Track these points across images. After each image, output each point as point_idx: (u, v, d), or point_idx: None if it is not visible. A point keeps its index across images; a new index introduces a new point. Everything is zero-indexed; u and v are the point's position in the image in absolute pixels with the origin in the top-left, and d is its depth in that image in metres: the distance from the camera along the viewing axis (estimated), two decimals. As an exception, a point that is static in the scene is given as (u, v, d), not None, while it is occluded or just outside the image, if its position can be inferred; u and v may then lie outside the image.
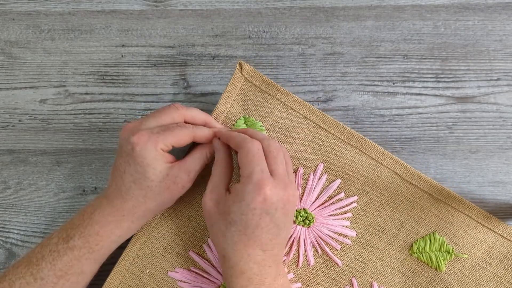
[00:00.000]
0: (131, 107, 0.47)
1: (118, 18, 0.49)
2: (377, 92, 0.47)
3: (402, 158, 0.46)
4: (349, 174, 0.42)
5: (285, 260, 0.42)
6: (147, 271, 0.42)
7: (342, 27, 0.49)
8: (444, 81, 0.48)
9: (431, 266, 0.41)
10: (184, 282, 0.41)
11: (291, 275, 0.41)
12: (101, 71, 0.48)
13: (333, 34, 0.49)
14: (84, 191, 0.46)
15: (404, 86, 0.48)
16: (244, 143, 0.35)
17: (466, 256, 0.41)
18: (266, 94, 0.43)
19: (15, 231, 0.45)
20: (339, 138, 0.43)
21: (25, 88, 0.48)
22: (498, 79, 0.47)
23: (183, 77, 0.48)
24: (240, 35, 0.49)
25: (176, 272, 0.42)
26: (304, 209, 0.42)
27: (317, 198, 0.42)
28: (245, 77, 0.43)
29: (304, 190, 0.42)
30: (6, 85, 0.48)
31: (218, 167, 0.37)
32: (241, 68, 0.43)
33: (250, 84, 0.43)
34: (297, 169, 0.42)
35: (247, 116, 0.43)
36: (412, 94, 0.47)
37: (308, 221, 0.42)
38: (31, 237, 0.45)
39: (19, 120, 0.47)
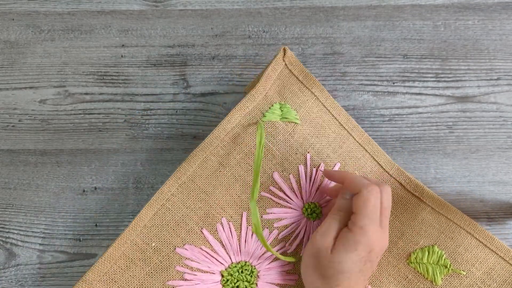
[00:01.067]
0: (131, 107, 0.47)
1: (118, 18, 0.49)
2: (377, 91, 0.47)
3: (402, 158, 0.46)
4: None
5: (288, 250, 0.41)
6: (153, 244, 0.39)
7: (342, 27, 0.49)
8: (444, 81, 0.48)
9: (427, 278, 0.41)
10: (192, 261, 0.39)
11: (291, 266, 0.41)
12: (101, 71, 0.48)
13: (333, 34, 0.49)
14: (84, 191, 0.46)
15: (404, 86, 0.48)
16: (364, 189, 0.35)
17: (464, 273, 0.40)
18: (302, 85, 0.43)
19: (15, 231, 0.45)
20: (357, 141, 0.43)
21: (25, 88, 0.48)
22: (498, 79, 0.47)
23: (183, 77, 0.48)
24: (240, 35, 0.49)
25: (186, 249, 0.39)
26: (315, 204, 0.42)
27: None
28: (285, 63, 0.42)
29: (320, 185, 0.42)
30: (6, 85, 0.48)
31: (338, 211, 0.37)
32: (284, 54, 0.42)
33: (289, 72, 0.43)
34: (319, 165, 0.42)
35: (283, 103, 0.42)
36: (412, 93, 0.47)
37: (315, 215, 0.41)
38: (31, 237, 0.45)
39: (19, 120, 0.47)
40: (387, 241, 0.36)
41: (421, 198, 0.42)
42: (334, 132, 0.43)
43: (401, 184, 0.43)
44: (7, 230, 0.45)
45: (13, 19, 0.49)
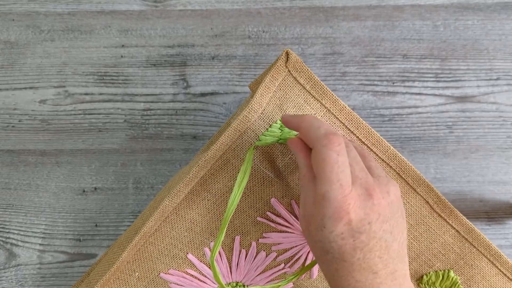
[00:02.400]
0: (131, 107, 0.47)
1: (117, 18, 0.49)
2: (377, 91, 0.47)
3: (402, 158, 0.46)
4: None
5: (287, 271, 0.39)
6: (136, 274, 0.37)
7: (342, 27, 0.49)
8: (444, 81, 0.48)
9: None
10: (177, 284, 0.38)
11: (290, 285, 0.40)
12: (100, 72, 0.48)
13: (332, 34, 0.49)
14: (84, 191, 0.46)
15: (404, 86, 0.48)
16: (318, 144, 0.27)
17: None
18: (310, 95, 0.36)
19: (15, 232, 0.45)
20: (380, 157, 0.38)
21: (25, 88, 0.48)
22: (497, 79, 0.47)
23: (182, 77, 0.48)
24: (240, 35, 0.49)
25: (170, 274, 0.38)
26: None
27: None
28: (288, 70, 0.35)
29: None
30: (6, 86, 0.48)
31: (303, 179, 0.30)
32: (287, 59, 0.35)
33: (293, 80, 0.35)
34: None
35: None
36: (412, 93, 0.47)
37: None
38: (31, 237, 0.45)
39: (19, 121, 0.47)
40: (381, 196, 0.28)
41: (447, 220, 0.39)
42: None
43: (428, 203, 0.39)
44: (7, 230, 0.45)
45: (13, 20, 0.49)
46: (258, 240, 0.38)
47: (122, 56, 0.48)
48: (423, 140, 0.46)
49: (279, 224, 0.38)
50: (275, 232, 0.38)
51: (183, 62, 0.48)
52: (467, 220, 0.39)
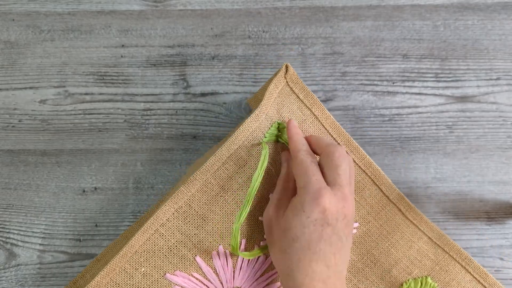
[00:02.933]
0: (131, 107, 0.47)
1: (117, 18, 0.49)
2: (377, 91, 0.48)
3: (402, 158, 0.46)
4: (356, 201, 0.41)
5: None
6: (142, 269, 0.37)
7: (342, 26, 0.49)
8: (444, 81, 0.48)
9: None
10: (181, 286, 0.38)
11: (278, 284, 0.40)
12: (100, 71, 0.48)
13: (332, 34, 0.49)
14: (84, 191, 0.46)
15: (404, 86, 0.48)
16: (297, 153, 0.35)
17: None
18: (302, 104, 0.41)
19: (15, 232, 0.45)
20: (357, 164, 0.42)
21: (25, 88, 0.48)
22: (497, 79, 0.48)
23: (182, 77, 0.48)
24: (240, 35, 0.49)
25: (176, 275, 0.38)
26: None
27: None
28: (286, 81, 0.41)
29: None
30: (6, 86, 0.48)
31: (281, 181, 0.37)
32: (286, 71, 0.41)
33: (289, 90, 0.41)
34: None
35: (279, 122, 0.40)
36: (412, 93, 0.47)
37: None
38: (31, 237, 0.45)
39: (19, 121, 0.47)
40: (352, 205, 0.34)
41: (419, 226, 0.42)
42: None
43: (400, 210, 0.42)
44: (7, 230, 0.45)
45: (13, 20, 0.49)
46: (260, 243, 0.39)
47: (122, 56, 0.48)
48: (423, 140, 0.47)
49: None
50: None
51: (183, 62, 0.48)
52: (437, 227, 0.42)
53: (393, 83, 0.48)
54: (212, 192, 0.38)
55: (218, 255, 0.38)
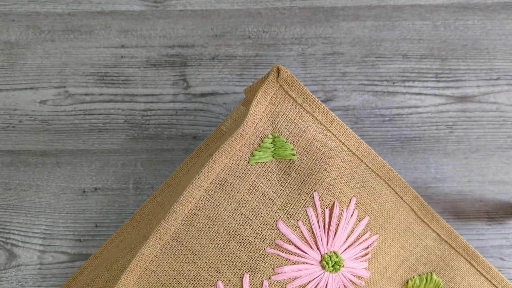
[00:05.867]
0: (131, 107, 0.47)
1: (117, 18, 0.49)
2: (377, 91, 0.48)
3: (402, 158, 0.46)
4: (375, 210, 0.38)
5: None
6: None
7: (342, 27, 0.49)
8: (444, 81, 0.48)
9: None
10: None
11: None
12: (101, 72, 0.48)
13: (332, 34, 0.49)
14: (84, 191, 0.46)
15: (404, 86, 0.48)
16: None
17: None
18: (302, 109, 0.36)
19: (16, 232, 0.45)
20: (369, 168, 0.37)
21: (25, 89, 0.48)
22: (498, 79, 0.48)
23: (183, 78, 0.48)
24: (240, 35, 0.49)
25: None
26: (335, 253, 0.35)
27: (347, 239, 0.36)
28: (280, 85, 0.35)
29: (337, 229, 0.35)
30: (6, 86, 0.48)
31: None
32: (278, 74, 0.35)
33: (285, 94, 0.35)
34: (333, 205, 0.35)
35: (276, 135, 0.35)
36: (412, 93, 0.47)
37: (338, 267, 0.35)
38: (31, 238, 0.45)
39: (19, 121, 0.47)
40: None
41: (429, 224, 0.40)
42: (344, 161, 0.36)
43: (413, 210, 0.40)
44: (7, 231, 0.45)
45: (13, 20, 0.49)
46: (270, 278, 0.34)
47: (122, 57, 0.48)
48: (423, 140, 0.47)
49: (291, 252, 0.34)
50: (288, 265, 0.34)
51: (183, 62, 0.48)
52: (447, 224, 0.41)
53: (393, 83, 0.48)
54: (198, 224, 0.34)
55: None
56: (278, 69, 0.35)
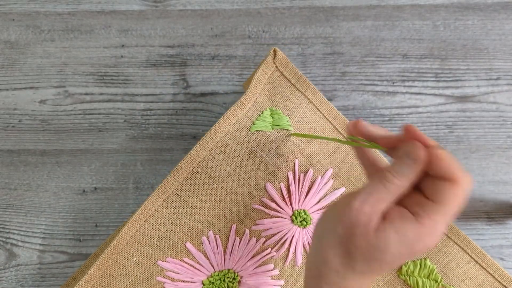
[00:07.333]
0: (131, 107, 0.47)
1: (117, 18, 0.49)
2: (377, 91, 0.47)
3: (402, 158, 0.46)
4: (354, 184, 0.41)
5: (273, 256, 0.41)
6: (134, 258, 0.38)
7: (342, 26, 0.49)
8: (444, 81, 0.48)
9: None
10: (173, 272, 0.39)
11: (276, 271, 0.41)
12: (100, 72, 0.48)
13: (332, 33, 0.49)
14: (84, 191, 0.46)
15: (404, 86, 0.48)
16: (463, 177, 0.25)
17: None
18: (295, 88, 0.41)
19: (15, 232, 0.45)
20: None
21: (25, 88, 0.48)
22: (497, 78, 0.47)
23: (182, 77, 0.48)
24: (240, 35, 0.49)
25: (167, 262, 0.38)
26: (304, 211, 0.41)
27: (318, 201, 0.41)
28: (276, 66, 0.40)
29: (308, 191, 0.41)
30: (6, 86, 0.48)
31: (399, 180, 0.26)
32: (274, 55, 0.40)
33: (280, 74, 0.40)
34: (307, 171, 0.40)
35: (273, 109, 0.40)
36: (412, 93, 0.47)
37: (305, 223, 0.41)
38: (31, 237, 0.45)
39: (19, 121, 0.47)
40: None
41: None
42: (329, 135, 0.41)
43: None
44: (7, 231, 0.45)
45: (14, 20, 0.49)
46: (251, 227, 0.40)
47: (122, 56, 0.48)
48: (423, 140, 0.46)
49: (272, 209, 0.40)
50: (267, 218, 0.40)
51: (183, 62, 0.48)
52: None
53: (393, 83, 0.48)
54: (200, 181, 0.38)
55: (208, 240, 0.39)
56: (275, 51, 0.40)
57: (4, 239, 0.45)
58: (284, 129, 0.39)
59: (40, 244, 0.45)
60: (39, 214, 0.45)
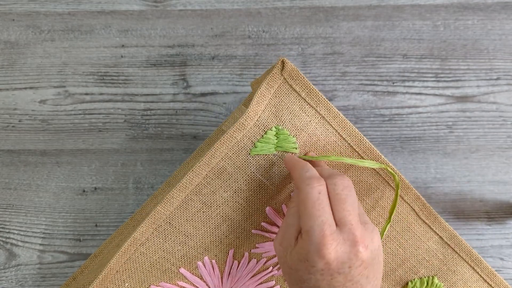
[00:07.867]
0: (131, 107, 0.47)
1: (117, 18, 0.49)
2: (377, 91, 0.47)
3: (402, 158, 0.46)
4: (368, 204, 0.39)
5: (275, 274, 0.39)
6: (126, 284, 0.36)
7: (342, 26, 0.49)
8: (444, 81, 0.48)
9: None
10: None
11: (277, 287, 0.40)
12: (101, 72, 0.48)
13: (332, 33, 0.49)
14: (84, 191, 0.46)
15: (404, 86, 0.48)
16: (302, 184, 0.29)
17: None
18: (305, 103, 0.36)
19: (15, 232, 0.45)
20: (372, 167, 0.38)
21: (25, 88, 0.48)
22: (497, 79, 0.47)
23: (182, 77, 0.48)
24: (240, 35, 0.49)
25: (161, 286, 0.37)
26: None
27: None
28: (284, 78, 0.36)
29: None
30: (6, 86, 0.48)
31: (292, 208, 0.31)
32: (283, 67, 0.36)
33: (289, 87, 0.36)
34: None
35: (279, 128, 0.36)
36: (412, 93, 0.47)
37: None
38: (31, 237, 0.45)
39: (19, 121, 0.47)
40: (371, 244, 0.29)
41: (431, 226, 0.40)
42: (342, 155, 0.38)
43: (414, 210, 0.39)
44: (7, 230, 0.45)
45: (13, 20, 0.49)
46: (250, 250, 0.38)
47: (122, 56, 0.48)
48: (423, 140, 0.46)
49: (274, 233, 0.38)
50: (268, 241, 0.38)
51: (183, 62, 0.48)
52: (450, 227, 0.40)
53: (393, 83, 0.48)
54: (193, 208, 0.36)
55: (204, 265, 0.37)
56: (283, 62, 0.36)
57: (4, 239, 0.45)
58: (288, 152, 0.36)
59: (40, 244, 0.45)
60: (39, 214, 0.45)
